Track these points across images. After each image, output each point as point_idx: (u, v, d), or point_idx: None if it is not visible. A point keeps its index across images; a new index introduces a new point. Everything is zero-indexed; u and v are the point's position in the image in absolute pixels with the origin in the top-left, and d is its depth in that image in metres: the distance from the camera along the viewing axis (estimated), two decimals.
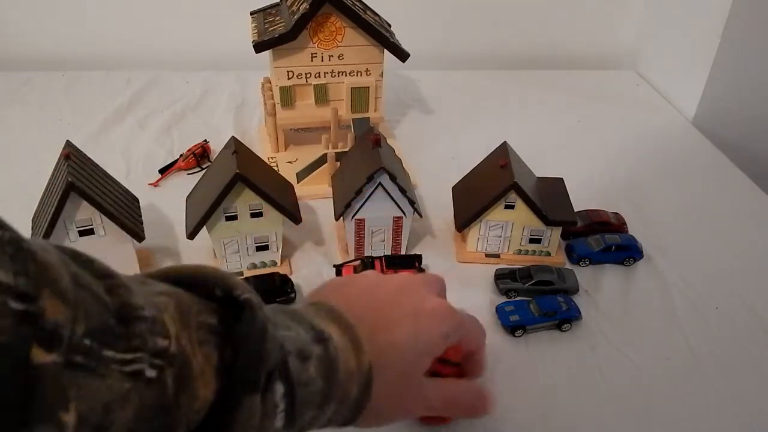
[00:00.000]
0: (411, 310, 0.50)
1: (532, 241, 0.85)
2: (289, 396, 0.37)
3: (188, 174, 1.03)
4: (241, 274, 0.81)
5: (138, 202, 0.81)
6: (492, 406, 0.56)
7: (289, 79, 1.00)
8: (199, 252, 0.84)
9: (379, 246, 0.84)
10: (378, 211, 0.80)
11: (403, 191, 0.78)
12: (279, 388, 0.36)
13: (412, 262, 0.80)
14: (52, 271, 0.26)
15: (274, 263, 0.83)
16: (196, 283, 0.36)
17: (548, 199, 0.83)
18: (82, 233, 0.72)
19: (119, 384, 0.28)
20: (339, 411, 0.43)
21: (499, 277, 0.82)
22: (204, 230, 0.76)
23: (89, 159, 0.77)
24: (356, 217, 0.80)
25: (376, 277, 0.55)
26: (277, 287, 0.76)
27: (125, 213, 0.74)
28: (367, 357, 0.44)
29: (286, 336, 0.39)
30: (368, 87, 1.03)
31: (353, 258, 0.83)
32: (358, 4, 1.01)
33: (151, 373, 0.29)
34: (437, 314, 0.51)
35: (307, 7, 0.92)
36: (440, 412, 0.56)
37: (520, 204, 0.81)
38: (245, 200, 0.76)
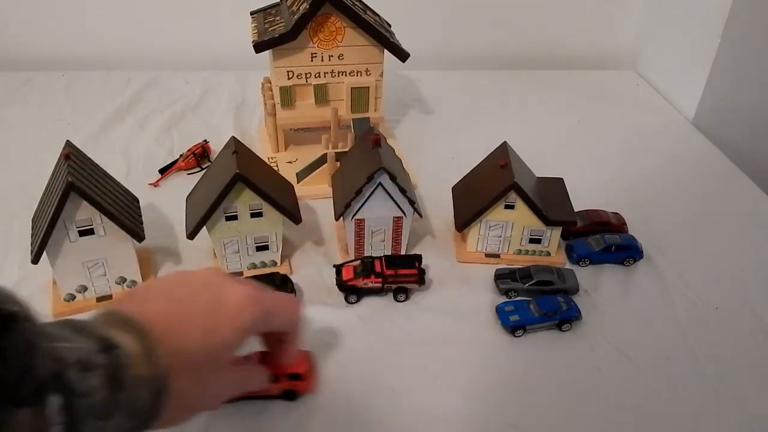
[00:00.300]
0: (207, 307, 0.49)
1: (532, 241, 0.85)
2: (68, 408, 0.36)
3: (188, 174, 1.03)
4: (241, 274, 0.81)
5: (138, 202, 0.81)
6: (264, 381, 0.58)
7: (289, 79, 1.00)
8: (199, 252, 0.84)
9: (379, 246, 0.84)
10: (378, 211, 0.80)
11: (403, 191, 0.78)
12: (54, 401, 0.36)
13: (412, 262, 0.80)
14: None
15: (274, 263, 0.83)
16: None
17: (548, 199, 0.83)
18: (82, 233, 0.72)
19: None
20: (125, 422, 0.42)
21: (499, 277, 0.82)
22: (204, 230, 0.76)
23: (89, 159, 0.77)
24: (356, 217, 0.80)
25: (178, 277, 0.53)
26: (277, 287, 0.76)
27: (125, 213, 0.74)
28: (162, 361, 0.43)
29: (63, 347, 0.38)
30: (368, 87, 1.03)
31: (353, 258, 0.83)
32: (358, 4, 1.01)
33: None
34: (236, 306, 0.50)
35: (307, 7, 0.92)
36: (226, 399, 0.55)
37: (520, 204, 0.81)
38: (245, 200, 0.76)
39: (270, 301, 0.54)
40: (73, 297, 0.76)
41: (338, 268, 0.81)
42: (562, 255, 0.88)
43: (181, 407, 0.47)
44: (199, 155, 1.05)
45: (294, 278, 0.80)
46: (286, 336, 0.58)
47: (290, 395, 0.65)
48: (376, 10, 1.06)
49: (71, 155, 0.72)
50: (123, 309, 0.46)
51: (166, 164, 1.04)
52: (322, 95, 1.03)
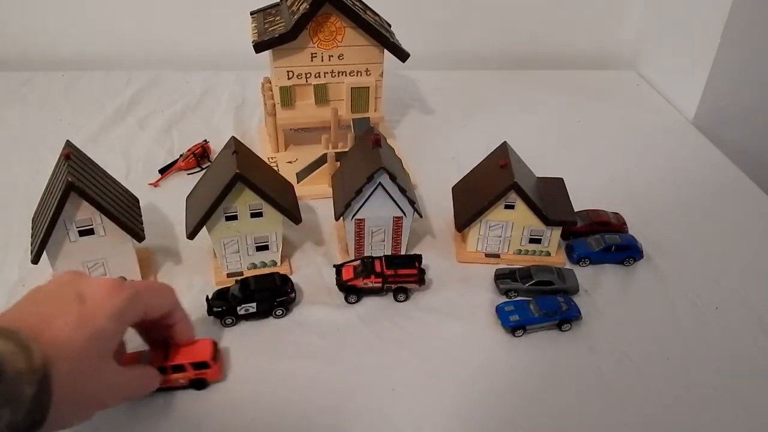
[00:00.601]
0: (72, 299, 0.51)
1: (532, 241, 0.85)
2: None
3: (188, 174, 1.03)
4: (241, 274, 0.81)
5: (138, 202, 0.81)
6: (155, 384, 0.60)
7: (289, 79, 1.00)
8: (199, 252, 0.84)
9: (379, 246, 0.84)
10: (378, 211, 0.80)
11: (403, 191, 0.78)
12: None
13: (412, 262, 0.80)
14: None
15: (274, 263, 0.83)
16: None
17: (548, 199, 0.83)
18: (82, 233, 0.72)
19: None
20: (17, 414, 0.43)
21: (499, 277, 0.82)
22: (204, 230, 0.76)
23: (89, 159, 0.77)
24: (356, 217, 0.80)
25: (37, 286, 0.55)
26: (277, 287, 0.76)
27: (125, 213, 0.74)
28: (39, 356, 0.45)
29: None
30: (368, 87, 1.03)
31: (353, 258, 0.83)
32: (358, 4, 1.01)
33: None
34: (102, 294, 0.52)
35: (307, 7, 0.92)
36: (121, 398, 0.57)
37: (520, 204, 0.81)
38: (245, 200, 0.76)
39: (138, 285, 0.56)
40: None
41: (338, 268, 0.81)
42: (562, 255, 0.88)
43: (71, 402, 0.48)
44: (199, 155, 1.05)
45: (294, 278, 0.80)
46: (170, 318, 0.60)
47: (198, 384, 0.66)
48: (376, 10, 1.06)
49: (71, 155, 0.72)
50: None
51: (166, 164, 1.04)
52: (322, 95, 1.03)
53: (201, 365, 0.65)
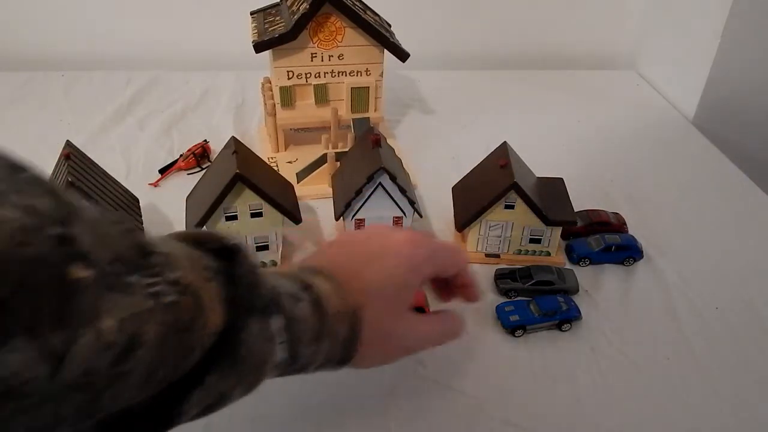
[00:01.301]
0: (378, 249, 0.54)
1: (532, 241, 0.85)
2: (288, 331, 0.42)
3: (188, 174, 1.03)
4: None
5: (138, 202, 0.81)
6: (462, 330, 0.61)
7: (289, 79, 1.00)
8: None
9: None
10: (378, 211, 0.80)
11: (403, 191, 0.78)
12: (277, 321, 0.41)
13: None
14: (76, 205, 0.29)
15: (275, 263, 0.83)
16: (196, 240, 0.40)
17: (548, 199, 0.83)
18: None
19: (144, 301, 0.31)
20: (333, 350, 0.48)
21: (499, 277, 0.82)
22: (204, 230, 0.76)
23: (89, 159, 0.77)
24: (356, 217, 0.80)
25: (349, 234, 0.60)
26: None
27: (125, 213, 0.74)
28: (352, 299, 0.49)
29: (274, 281, 0.44)
30: (368, 87, 1.03)
31: None
32: (358, 4, 1.01)
33: (169, 297, 0.33)
34: (405, 246, 0.55)
35: (307, 7, 0.92)
36: (427, 344, 0.59)
37: (520, 204, 0.81)
38: (245, 200, 0.76)
39: (435, 244, 0.59)
40: None
41: None
42: (562, 255, 0.88)
43: (376, 345, 0.52)
44: (199, 155, 1.05)
45: None
46: (459, 278, 0.61)
47: None
48: (376, 10, 1.06)
49: (71, 155, 0.72)
50: (307, 263, 0.52)
51: (166, 164, 1.04)
52: (322, 95, 1.03)
53: (419, 310, 0.70)
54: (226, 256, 0.40)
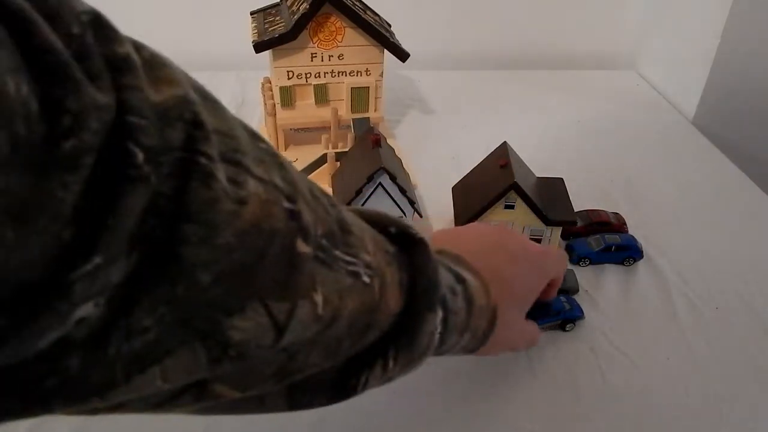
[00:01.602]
0: (520, 252, 0.59)
1: (532, 241, 0.85)
2: (444, 322, 0.44)
3: None
4: None
5: None
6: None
7: (289, 79, 1.00)
8: None
9: None
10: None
11: (403, 191, 0.78)
12: (439, 313, 0.43)
13: None
14: (298, 184, 0.31)
15: None
16: (373, 221, 0.42)
17: (548, 199, 0.83)
18: None
19: (345, 278, 0.33)
20: (471, 341, 0.50)
21: None
22: None
23: None
24: None
25: (478, 228, 0.66)
26: None
27: None
28: (493, 296, 0.52)
29: (442, 274, 0.45)
30: (368, 87, 1.03)
31: None
32: (358, 4, 1.01)
33: (365, 278, 0.35)
34: (540, 256, 0.61)
35: (307, 7, 0.92)
36: (523, 346, 0.66)
37: (520, 204, 0.81)
38: None
39: (553, 253, 0.65)
40: None
41: None
42: None
43: (496, 340, 0.54)
44: None
45: None
46: (553, 282, 0.66)
47: None
48: (376, 10, 1.06)
49: None
50: (450, 250, 0.52)
51: None
52: (322, 95, 1.03)
53: None
54: (402, 242, 0.42)
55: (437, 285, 0.42)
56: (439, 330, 0.43)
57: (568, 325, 0.76)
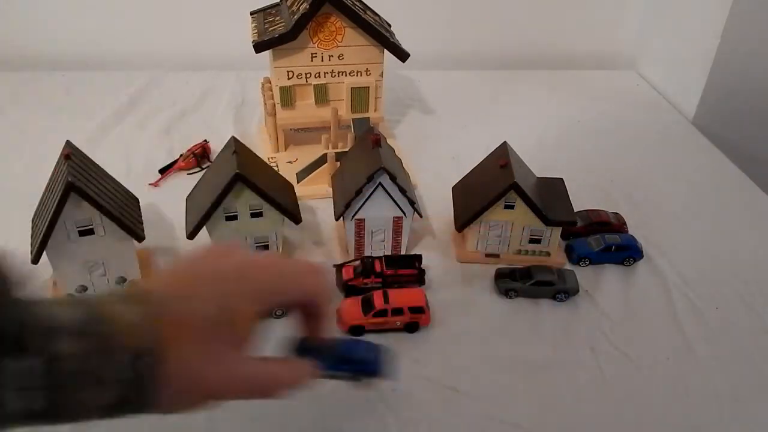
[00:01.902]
0: (213, 272, 0.46)
1: (531, 241, 0.85)
2: (49, 373, 0.36)
3: (188, 174, 1.03)
4: None
5: (138, 202, 0.81)
6: (303, 380, 0.47)
7: (289, 79, 1.00)
8: None
9: (379, 246, 0.84)
10: (378, 211, 0.80)
11: (403, 191, 0.78)
12: (33, 363, 0.36)
13: (412, 262, 0.80)
14: None
15: None
16: None
17: (548, 199, 0.83)
18: (82, 233, 0.72)
19: None
20: (126, 389, 0.39)
21: (499, 276, 0.82)
22: (204, 230, 0.76)
23: (89, 159, 0.77)
24: (356, 217, 0.80)
25: (195, 252, 0.48)
26: None
27: (125, 213, 0.74)
28: (159, 331, 0.40)
29: (52, 313, 0.38)
30: (368, 87, 1.03)
31: (353, 258, 0.83)
32: (358, 4, 1.01)
33: None
34: (245, 270, 0.46)
35: (307, 7, 0.92)
36: (242, 393, 0.46)
37: (520, 204, 0.81)
38: (245, 200, 0.76)
39: (283, 266, 0.49)
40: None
41: (338, 268, 0.81)
42: (562, 255, 0.88)
43: (187, 385, 0.42)
44: (199, 155, 1.05)
45: None
46: (312, 309, 0.49)
47: (412, 327, 0.74)
48: (376, 10, 1.06)
49: (71, 155, 0.72)
50: (143, 282, 0.47)
51: (166, 164, 1.04)
52: (322, 95, 1.03)
53: (417, 310, 0.74)
54: None
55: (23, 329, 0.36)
56: (38, 384, 0.36)
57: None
